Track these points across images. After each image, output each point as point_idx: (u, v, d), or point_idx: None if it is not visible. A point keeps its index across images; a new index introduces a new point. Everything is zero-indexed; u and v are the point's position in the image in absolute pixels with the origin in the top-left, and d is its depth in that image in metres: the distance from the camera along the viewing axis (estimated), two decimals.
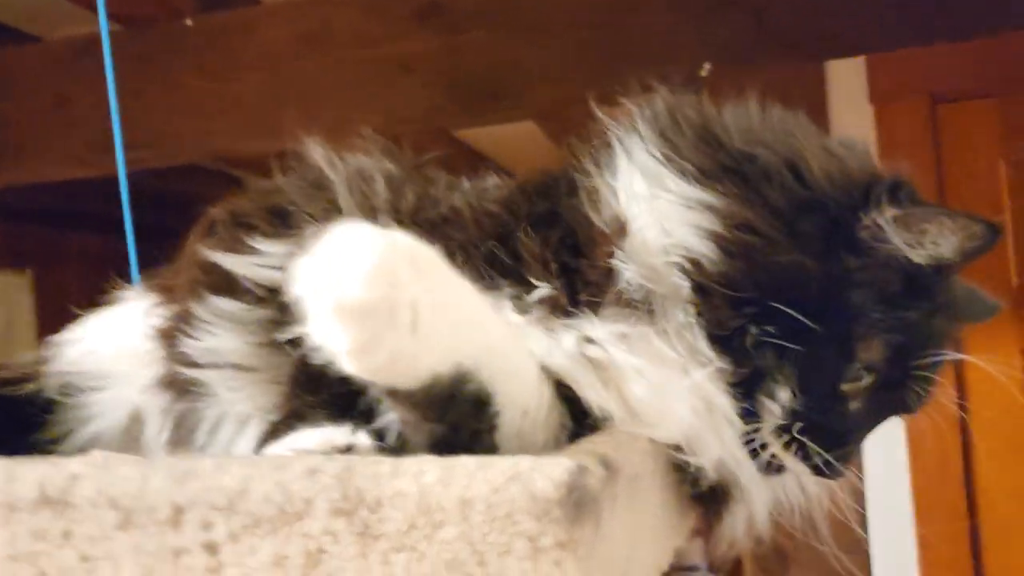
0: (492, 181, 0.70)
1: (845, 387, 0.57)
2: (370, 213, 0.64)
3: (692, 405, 0.54)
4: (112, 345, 0.68)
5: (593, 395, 0.54)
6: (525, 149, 3.54)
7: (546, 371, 0.54)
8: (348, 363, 0.45)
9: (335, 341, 0.44)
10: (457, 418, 0.48)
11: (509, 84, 2.21)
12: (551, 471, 0.40)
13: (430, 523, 0.41)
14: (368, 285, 0.42)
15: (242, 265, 0.63)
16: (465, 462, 0.41)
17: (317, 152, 0.71)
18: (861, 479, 0.66)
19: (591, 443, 0.50)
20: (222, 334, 0.62)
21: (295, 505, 0.44)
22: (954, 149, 1.85)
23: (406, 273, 0.43)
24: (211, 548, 0.45)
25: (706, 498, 0.59)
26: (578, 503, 0.40)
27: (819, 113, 2.00)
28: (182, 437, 0.64)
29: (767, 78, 2.12)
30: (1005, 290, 1.71)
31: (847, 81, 1.98)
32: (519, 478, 0.40)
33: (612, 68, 2.14)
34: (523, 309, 0.56)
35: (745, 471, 0.57)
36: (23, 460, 0.52)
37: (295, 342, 0.58)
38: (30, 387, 0.68)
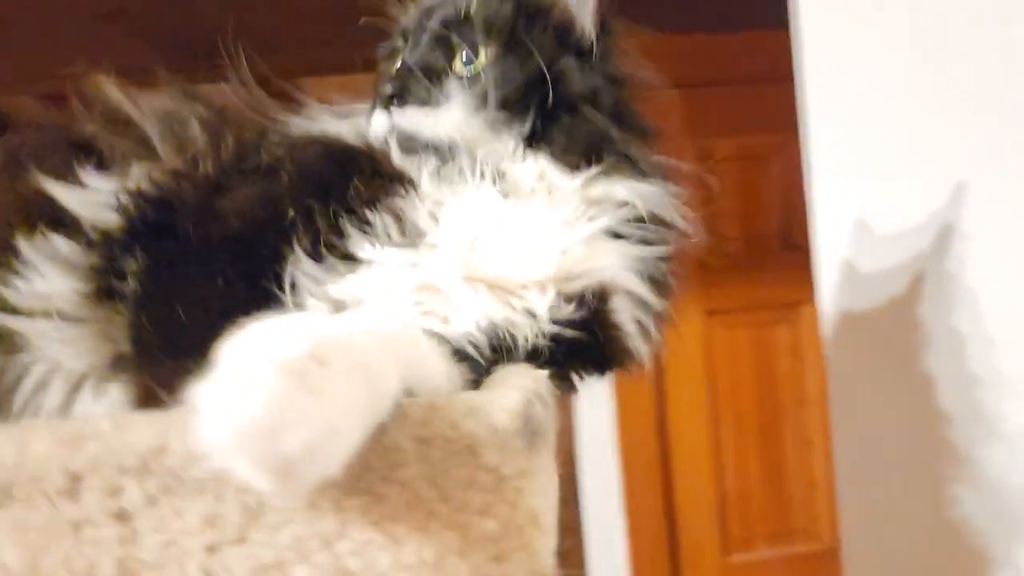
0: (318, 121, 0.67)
1: None
2: (188, 159, 0.60)
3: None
4: None
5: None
6: None
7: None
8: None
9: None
10: None
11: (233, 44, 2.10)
12: (506, 403, 0.42)
13: (386, 464, 0.41)
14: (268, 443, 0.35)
15: (76, 199, 0.56)
16: (419, 403, 0.42)
17: (112, 90, 0.65)
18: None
19: (498, 383, 0.51)
20: (52, 277, 0.54)
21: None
22: None
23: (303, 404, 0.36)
24: (122, 516, 0.41)
25: None
26: (533, 432, 0.42)
27: None
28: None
29: None
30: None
31: None
32: (475, 413, 0.41)
33: (345, 37, 2.11)
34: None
35: None
36: None
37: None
38: None
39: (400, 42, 0.66)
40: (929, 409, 0.81)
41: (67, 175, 0.58)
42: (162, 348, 0.53)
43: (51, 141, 0.63)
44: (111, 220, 0.57)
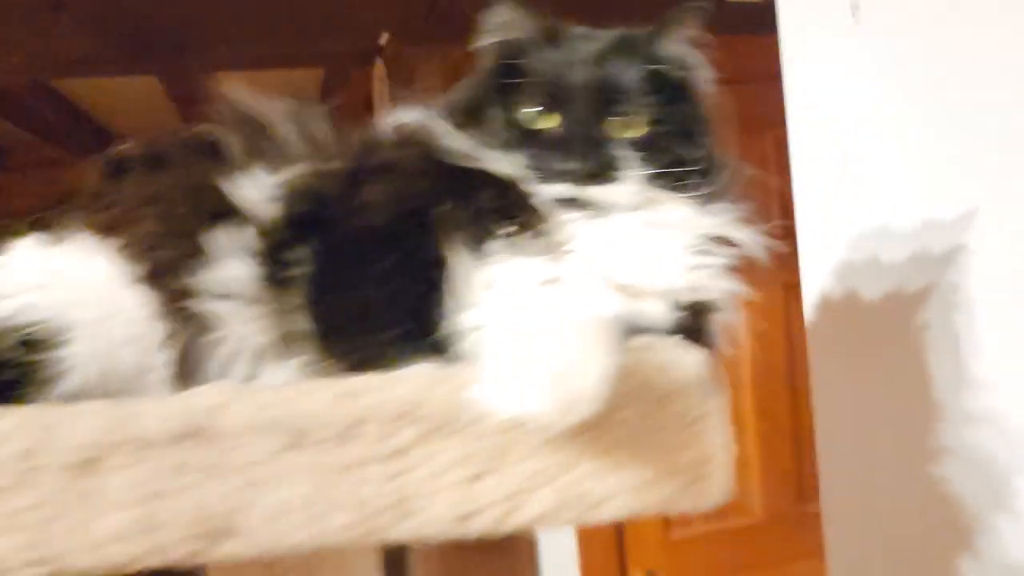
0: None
1: None
2: (323, 157, 0.68)
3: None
4: (61, 294, 0.62)
5: None
6: (137, 107, 3.33)
7: None
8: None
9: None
10: None
11: (186, 37, 2.12)
12: (696, 359, 0.53)
13: (610, 406, 0.51)
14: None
15: (247, 194, 0.64)
16: (633, 356, 0.52)
17: (244, 93, 0.72)
18: None
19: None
20: (234, 265, 0.62)
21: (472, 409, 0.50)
22: None
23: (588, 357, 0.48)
24: (396, 455, 0.50)
25: None
26: (708, 384, 0.53)
27: None
28: (187, 373, 0.62)
29: (441, 55, 2.31)
30: None
31: None
32: (675, 365, 0.52)
33: (294, 33, 2.17)
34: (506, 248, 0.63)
35: None
36: (133, 400, 0.51)
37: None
38: None
39: (542, 106, 0.66)
40: (910, 382, 0.95)
41: (232, 172, 0.65)
42: (332, 324, 0.62)
43: (194, 142, 0.70)
44: (276, 212, 0.64)
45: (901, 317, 0.96)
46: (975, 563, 0.90)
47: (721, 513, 2.33)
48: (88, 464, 0.48)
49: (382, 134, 0.71)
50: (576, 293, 0.52)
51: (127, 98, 3.22)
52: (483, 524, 0.51)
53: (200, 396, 0.50)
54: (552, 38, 0.67)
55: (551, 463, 0.51)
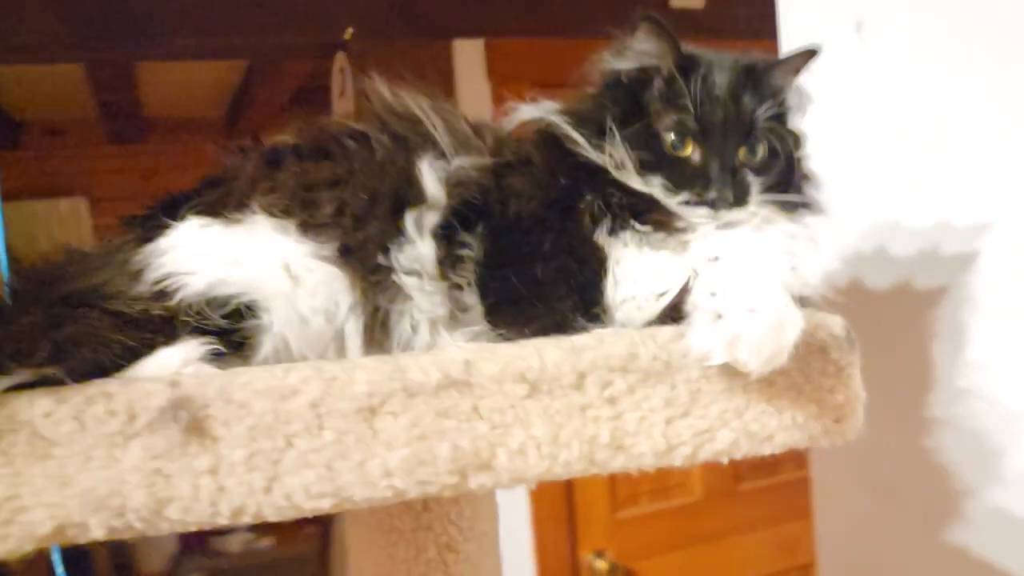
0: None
1: None
2: (468, 149, 0.76)
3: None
4: (250, 269, 0.68)
5: None
6: (51, 93, 3.24)
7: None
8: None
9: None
10: None
11: (145, 24, 2.12)
12: (838, 320, 0.65)
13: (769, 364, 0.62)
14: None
15: (428, 179, 0.72)
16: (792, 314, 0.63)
17: (387, 90, 0.80)
18: None
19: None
20: (423, 244, 0.70)
21: (675, 360, 0.61)
22: None
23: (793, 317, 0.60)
24: (612, 400, 0.60)
25: None
26: (852, 339, 0.65)
27: (447, 87, 2.30)
28: (375, 340, 0.69)
29: (405, 50, 2.38)
30: None
31: (472, 60, 2.32)
32: (823, 326, 0.64)
33: (261, 23, 2.20)
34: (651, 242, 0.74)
35: None
36: (396, 357, 0.58)
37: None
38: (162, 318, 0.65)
39: (685, 136, 0.73)
40: (909, 364, 1.10)
41: (413, 160, 0.73)
42: (499, 299, 0.71)
43: (353, 134, 0.77)
44: (447, 200, 0.73)
45: (900, 304, 1.11)
46: (964, 527, 1.04)
47: (663, 493, 2.49)
48: (367, 411, 0.55)
49: (506, 129, 0.80)
50: (763, 266, 0.63)
51: (44, 86, 3.13)
52: (680, 457, 0.61)
53: (455, 352, 0.58)
54: (689, 68, 0.75)
55: (731, 406, 0.62)
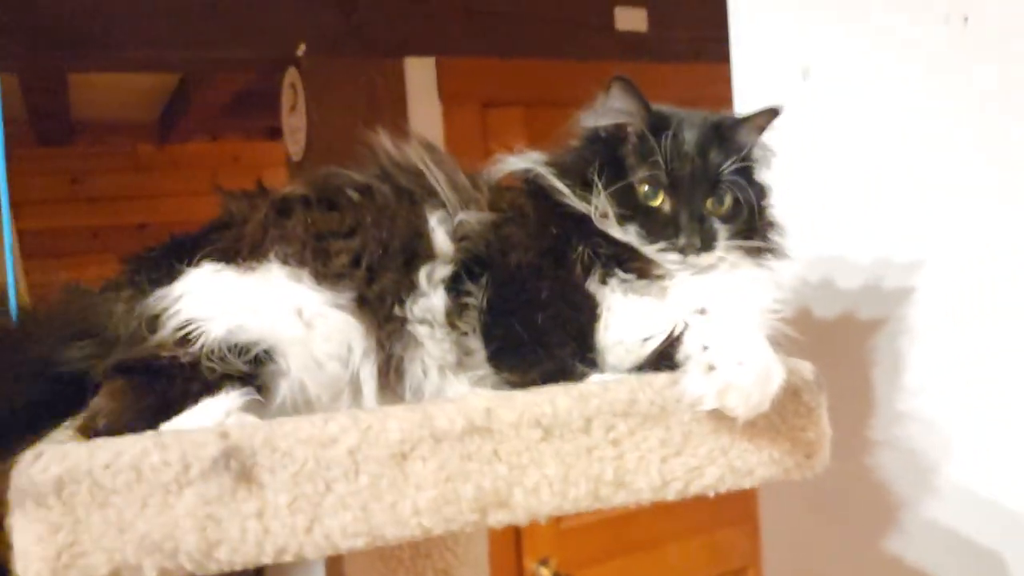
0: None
1: None
2: (466, 202, 0.81)
3: None
4: (269, 316, 0.72)
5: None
6: None
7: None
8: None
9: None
10: None
11: (92, 34, 2.11)
12: (807, 367, 0.73)
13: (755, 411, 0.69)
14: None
15: (438, 233, 0.77)
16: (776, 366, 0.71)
17: (390, 143, 0.85)
18: None
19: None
20: (434, 296, 0.75)
21: (670, 405, 0.68)
22: (498, 146, 2.37)
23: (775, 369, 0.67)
24: (615, 442, 0.66)
25: None
26: (820, 383, 0.73)
27: (400, 105, 2.34)
28: (389, 384, 0.74)
29: (357, 68, 2.41)
30: None
31: (423, 79, 2.36)
32: (795, 371, 0.72)
33: (211, 37, 2.21)
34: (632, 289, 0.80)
35: None
36: (421, 405, 0.64)
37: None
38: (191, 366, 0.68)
39: (657, 188, 0.80)
40: (850, 387, 1.19)
41: (423, 214, 0.78)
42: (501, 345, 0.76)
43: (360, 187, 0.81)
44: (453, 252, 0.78)
45: (844, 333, 1.20)
46: (901, 537, 1.13)
47: None
48: (400, 456, 0.60)
49: (496, 179, 0.86)
50: (748, 319, 0.70)
51: None
52: (673, 491, 0.68)
53: (476, 401, 0.63)
54: (660, 127, 0.81)
55: (717, 445, 0.69)
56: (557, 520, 2.50)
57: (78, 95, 3.35)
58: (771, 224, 0.87)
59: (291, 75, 2.34)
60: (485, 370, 0.76)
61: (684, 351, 0.69)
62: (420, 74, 2.37)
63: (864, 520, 1.18)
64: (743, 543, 2.67)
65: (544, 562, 2.47)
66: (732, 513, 2.69)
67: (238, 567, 0.57)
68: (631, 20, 2.55)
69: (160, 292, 0.74)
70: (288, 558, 0.58)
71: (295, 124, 2.34)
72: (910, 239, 1.08)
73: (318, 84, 2.30)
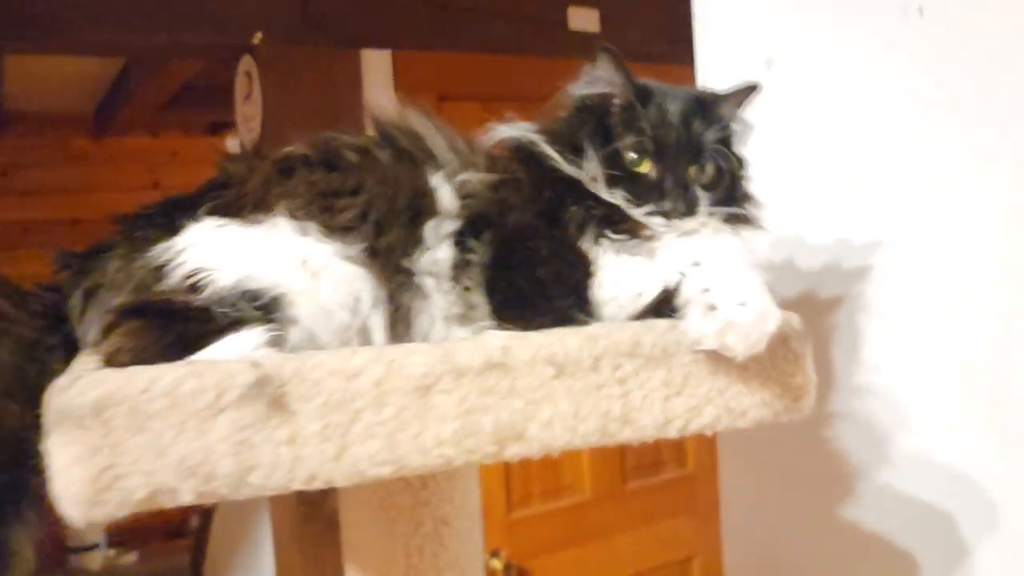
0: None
1: None
2: (466, 165, 0.84)
3: None
4: (277, 266, 0.73)
5: None
6: None
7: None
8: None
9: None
10: None
11: (35, 12, 2.08)
12: (796, 317, 0.77)
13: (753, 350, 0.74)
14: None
15: (442, 191, 0.79)
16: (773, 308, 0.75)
17: (392, 107, 0.87)
18: None
19: None
20: (440, 249, 0.78)
21: (671, 347, 0.71)
22: None
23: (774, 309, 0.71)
24: (622, 381, 0.70)
25: None
26: (806, 332, 0.78)
27: (355, 95, 2.35)
28: (397, 333, 0.76)
29: (314, 58, 2.41)
30: None
31: (379, 70, 2.38)
32: (786, 321, 0.76)
33: (165, 21, 2.19)
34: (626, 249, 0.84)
35: None
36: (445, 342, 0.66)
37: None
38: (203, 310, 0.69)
39: (643, 155, 0.83)
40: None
41: (427, 173, 0.81)
42: (504, 299, 0.79)
43: (362, 147, 0.84)
44: (457, 210, 0.80)
45: (804, 311, 1.25)
46: (856, 505, 1.19)
47: (555, 493, 2.61)
48: (423, 389, 0.63)
49: (492, 145, 0.89)
50: (738, 265, 0.74)
51: None
52: (674, 429, 0.71)
53: (493, 339, 0.66)
54: (645, 98, 0.86)
55: (715, 387, 0.73)
56: (508, 510, 2.53)
57: (11, 85, 3.26)
58: (748, 196, 0.91)
59: (246, 63, 2.32)
60: (489, 323, 0.79)
61: (684, 296, 0.73)
62: (377, 66, 2.39)
63: (821, 489, 1.24)
64: (688, 533, 2.74)
65: (495, 553, 2.49)
66: (678, 505, 2.76)
67: (270, 492, 0.59)
68: (584, 20, 2.60)
69: (162, 245, 0.74)
70: (318, 484, 0.60)
71: (249, 112, 2.33)
72: (868, 221, 1.14)
73: (274, 73, 2.30)
